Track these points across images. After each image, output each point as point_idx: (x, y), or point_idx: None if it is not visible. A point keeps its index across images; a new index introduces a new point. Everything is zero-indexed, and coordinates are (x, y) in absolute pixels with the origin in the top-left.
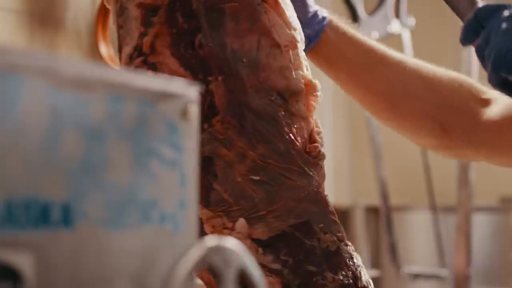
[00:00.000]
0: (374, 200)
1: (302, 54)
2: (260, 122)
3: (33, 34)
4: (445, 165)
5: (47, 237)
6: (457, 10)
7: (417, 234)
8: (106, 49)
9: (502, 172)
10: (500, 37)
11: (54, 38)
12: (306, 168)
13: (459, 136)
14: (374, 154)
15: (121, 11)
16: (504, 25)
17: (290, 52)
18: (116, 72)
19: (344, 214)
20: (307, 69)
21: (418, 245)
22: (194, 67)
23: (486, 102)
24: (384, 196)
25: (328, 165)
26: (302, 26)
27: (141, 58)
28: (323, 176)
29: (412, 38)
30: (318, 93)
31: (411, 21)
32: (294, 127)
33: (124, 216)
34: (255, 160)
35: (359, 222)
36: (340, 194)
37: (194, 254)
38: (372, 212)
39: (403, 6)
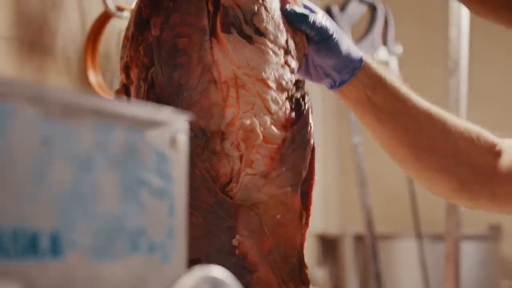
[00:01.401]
0: (364, 228)
1: (246, 91)
2: None
3: (22, 61)
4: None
5: (35, 266)
6: None
7: (404, 263)
8: (95, 77)
9: None
10: None
11: (43, 65)
12: (216, 208)
13: (475, 189)
14: (360, 182)
15: (124, 44)
16: None
17: (227, 89)
18: (105, 100)
19: (333, 243)
20: (251, 107)
21: (405, 273)
22: (147, 101)
23: (498, 154)
24: (370, 224)
25: (316, 192)
26: (334, 70)
27: (124, 88)
28: (250, 219)
29: (399, 65)
30: (250, 133)
31: (398, 48)
32: (211, 165)
33: (113, 245)
34: None
35: (348, 250)
36: (329, 222)
37: (184, 284)
38: (361, 240)
39: (391, 34)
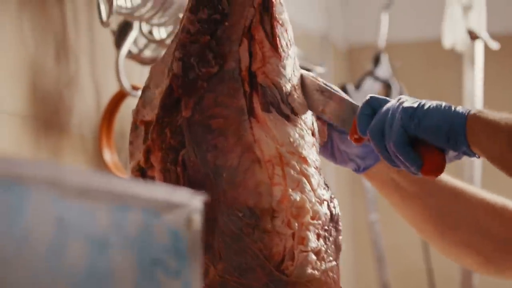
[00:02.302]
0: None
1: (290, 169)
2: (224, 238)
3: (38, 139)
4: (448, 269)
5: None
6: (342, 121)
7: None
8: (110, 155)
9: None
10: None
11: (59, 143)
12: (272, 287)
13: (501, 262)
14: (377, 258)
15: (134, 127)
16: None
17: (272, 167)
18: (121, 181)
19: None
20: (299, 184)
21: None
22: (175, 183)
23: None
24: None
25: None
26: (358, 157)
27: (140, 172)
28: None
29: None
30: (301, 209)
31: None
32: (264, 244)
33: None
34: (215, 275)
35: None
36: None
37: None
38: None
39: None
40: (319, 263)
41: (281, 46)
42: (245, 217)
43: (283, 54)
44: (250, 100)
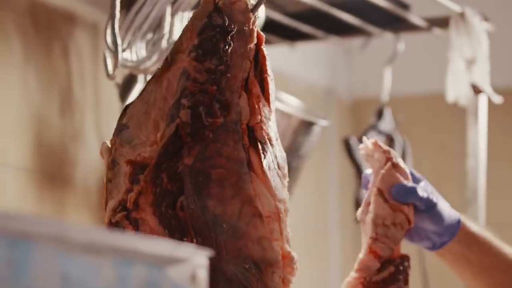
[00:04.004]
0: None
1: (284, 225)
2: None
3: (43, 192)
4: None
5: None
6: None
7: None
8: None
9: None
10: None
11: (63, 196)
12: None
13: None
14: None
15: (113, 165)
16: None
17: (272, 223)
18: (125, 237)
19: None
20: (287, 240)
21: None
22: (172, 228)
23: None
24: None
25: None
26: (432, 233)
27: (124, 213)
28: None
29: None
30: (295, 266)
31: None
32: None
33: None
34: None
35: None
36: None
37: None
38: None
39: (408, 164)
40: None
41: (272, 101)
42: (251, 269)
43: (272, 109)
44: (248, 154)
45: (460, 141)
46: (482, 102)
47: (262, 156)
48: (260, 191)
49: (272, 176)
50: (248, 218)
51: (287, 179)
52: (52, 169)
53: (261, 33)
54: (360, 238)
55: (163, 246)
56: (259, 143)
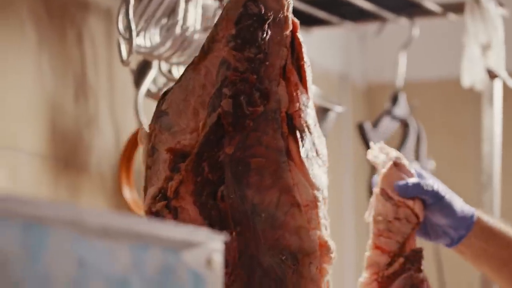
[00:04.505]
0: None
1: (322, 213)
2: (267, 280)
3: (57, 178)
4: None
5: None
6: None
7: None
8: (130, 193)
9: None
10: None
11: (78, 182)
12: None
13: None
14: None
15: (152, 152)
16: None
17: (310, 212)
18: (141, 221)
19: None
20: (326, 228)
21: None
22: (213, 218)
23: None
24: None
25: None
26: (447, 227)
27: (164, 202)
28: None
29: None
30: (332, 255)
31: (431, 164)
32: None
33: None
34: None
35: None
36: None
37: None
38: None
39: (423, 149)
40: None
41: (309, 88)
42: (287, 260)
43: (310, 95)
44: (286, 142)
45: (475, 126)
46: (497, 87)
47: (300, 144)
48: (298, 180)
49: (310, 164)
50: (286, 207)
51: (327, 165)
52: (66, 155)
53: (296, 19)
54: None
55: (178, 230)
56: (297, 132)
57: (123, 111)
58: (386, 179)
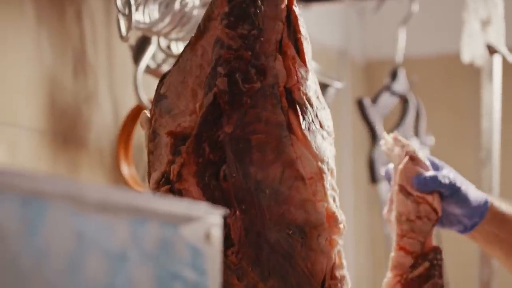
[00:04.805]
0: None
1: (328, 185)
2: (275, 256)
3: (56, 154)
4: (464, 281)
5: None
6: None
7: None
8: (128, 170)
9: None
10: None
11: (77, 157)
12: None
13: None
14: None
15: (153, 137)
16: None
17: (315, 184)
18: (139, 195)
19: None
20: (334, 200)
21: None
22: (216, 199)
23: None
24: None
25: (351, 282)
26: (462, 216)
27: (167, 186)
28: None
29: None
30: (341, 226)
31: (430, 139)
32: (311, 262)
33: None
34: None
35: None
36: None
37: None
38: None
39: (422, 125)
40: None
41: (308, 61)
42: (294, 235)
43: (309, 68)
44: (287, 116)
45: (474, 102)
46: (497, 63)
47: (301, 117)
48: (301, 153)
49: (313, 136)
50: (290, 181)
51: (333, 136)
52: (65, 130)
53: None
54: (373, 199)
55: (177, 205)
56: (297, 105)
57: (122, 87)
58: (403, 175)
